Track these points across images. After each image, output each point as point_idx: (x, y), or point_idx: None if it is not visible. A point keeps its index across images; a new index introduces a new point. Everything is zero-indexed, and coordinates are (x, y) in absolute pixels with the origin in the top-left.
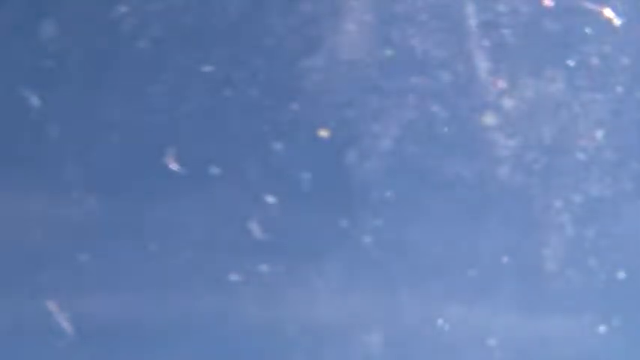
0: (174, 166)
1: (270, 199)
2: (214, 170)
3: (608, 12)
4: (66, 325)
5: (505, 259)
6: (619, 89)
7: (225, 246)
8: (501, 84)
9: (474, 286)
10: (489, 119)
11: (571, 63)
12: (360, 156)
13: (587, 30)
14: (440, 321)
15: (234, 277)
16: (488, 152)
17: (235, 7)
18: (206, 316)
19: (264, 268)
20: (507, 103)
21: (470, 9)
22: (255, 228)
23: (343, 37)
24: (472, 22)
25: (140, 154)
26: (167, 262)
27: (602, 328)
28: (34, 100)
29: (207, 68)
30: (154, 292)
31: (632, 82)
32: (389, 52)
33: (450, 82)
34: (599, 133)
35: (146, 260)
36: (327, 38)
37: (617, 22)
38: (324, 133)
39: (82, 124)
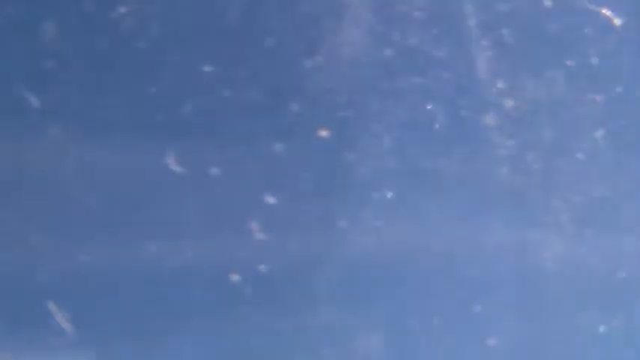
0: (174, 166)
1: (270, 199)
2: (214, 170)
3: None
4: (66, 325)
5: (505, 258)
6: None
7: (226, 246)
8: (501, 84)
9: (474, 284)
10: (489, 119)
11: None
12: (360, 156)
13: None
14: (442, 324)
15: (234, 277)
16: (488, 152)
17: (235, 7)
18: (206, 315)
19: (263, 268)
20: (507, 103)
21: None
22: (255, 228)
23: (343, 37)
24: (472, 22)
25: (140, 154)
26: (167, 262)
27: (602, 328)
28: (34, 101)
29: (207, 68)
30: (154, 290)
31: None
32: (389, 52)
33: (450, 82)
34: (599, 133)
35: (145, 260)
36: (327, 38)
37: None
38: (324, 133)
39: (82, 124)
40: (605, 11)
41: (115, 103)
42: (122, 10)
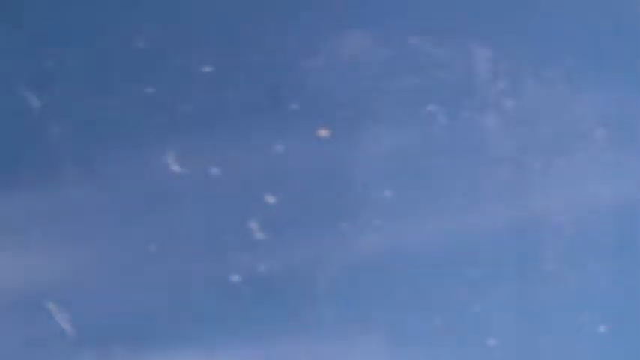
0: (174, 166)
1: (270, 199)
2: (214, 170)
3: None
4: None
5: (505, 258)
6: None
7: (226, 246)
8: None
9: (474, 284)
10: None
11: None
12: (360, 156)
13: None
14: (442, 324)
15: (234, 277)
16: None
17: (235, 7)
18: (205, 315)
19: (263, 268)
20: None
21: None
22: (255, 228)
23: (344, 36)
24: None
25: (140, 154)
26: (165, 262)
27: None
28: (34, 101)
29: (207, 68)
30: (152, 290)
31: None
32: (389, 52)
33: (450, 82)
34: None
35: (144, 260)
36: (327, 38)
37: None
38: (324, 133)
39: (82, 124)
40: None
41: (115, 103)
42: (122, 9)
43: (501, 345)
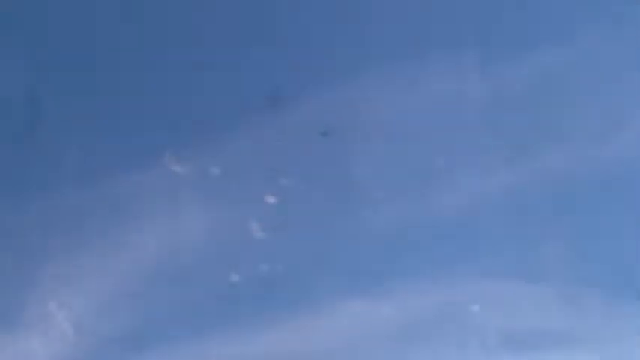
0: (174, 167)
1: (270, 199)
2: (214, 170)
3: None
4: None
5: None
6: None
7: (226, 246)
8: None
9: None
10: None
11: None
12: (360, 156)
13: None
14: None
15: (234, 277)
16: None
17: (236, 7)
18: (206, 315)
19: (264, 268)
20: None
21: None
22: (255, 228)
23: (344, 37)
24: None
25: (140, 154)
26: (166, 262)
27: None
28: (34, 101)
29: (207, 68)
30: (153, 290)
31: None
32: (389, 53)
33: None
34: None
35: (145, 260)
36: (328, 38)
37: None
38: (324, 133)
39: (81, 124)
40: None
41: (114, 103)
42: (123, 9)
43: (500, 344)
